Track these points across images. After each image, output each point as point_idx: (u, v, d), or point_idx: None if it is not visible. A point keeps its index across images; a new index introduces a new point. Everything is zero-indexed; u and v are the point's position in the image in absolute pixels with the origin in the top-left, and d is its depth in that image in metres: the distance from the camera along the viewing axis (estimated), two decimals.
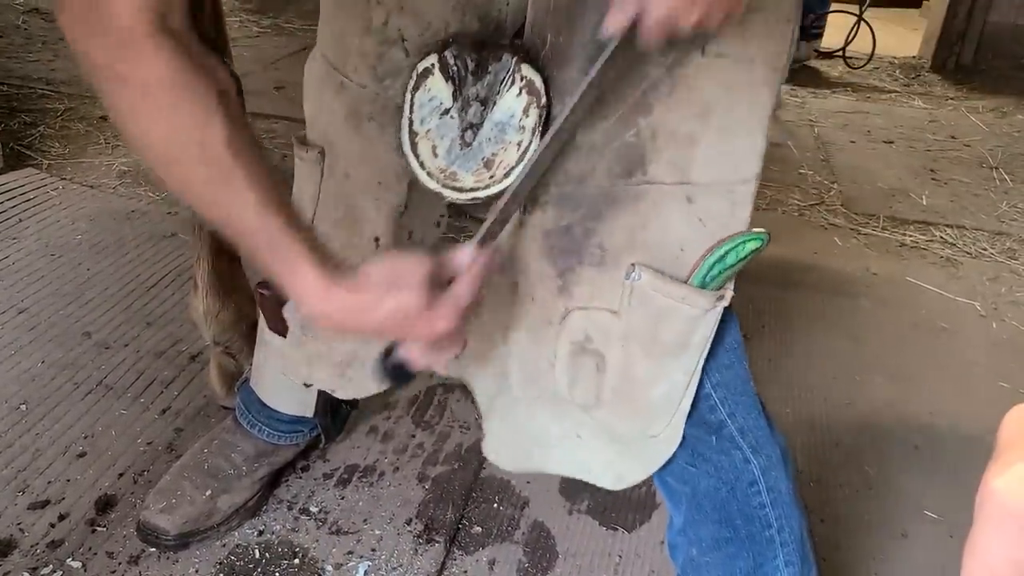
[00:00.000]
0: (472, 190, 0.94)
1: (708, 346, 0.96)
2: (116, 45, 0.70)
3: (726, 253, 0.91)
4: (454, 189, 0.95)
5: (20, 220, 2.24)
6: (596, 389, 0.98)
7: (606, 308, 0.94)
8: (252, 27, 4.47)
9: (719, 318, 0.95)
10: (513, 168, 0.91)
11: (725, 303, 0.94)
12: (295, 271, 0.80)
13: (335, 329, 0.84)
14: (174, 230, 2.26)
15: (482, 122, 0.92)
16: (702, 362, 0.96)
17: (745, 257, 0.92)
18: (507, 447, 1.13)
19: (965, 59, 4.88)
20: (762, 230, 0.92)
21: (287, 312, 1.24)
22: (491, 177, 0.92)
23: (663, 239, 0.91)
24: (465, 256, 0.85)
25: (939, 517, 1.59)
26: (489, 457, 1.15)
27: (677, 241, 0.91)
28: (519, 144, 0.91)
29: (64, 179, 2.51)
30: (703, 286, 0.92)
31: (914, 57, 5.08)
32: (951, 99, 4.42)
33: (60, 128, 2.87)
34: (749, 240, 0.91)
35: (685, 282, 0.92)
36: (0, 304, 1.90)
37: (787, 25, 0.89)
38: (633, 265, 0.91)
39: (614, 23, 0.79)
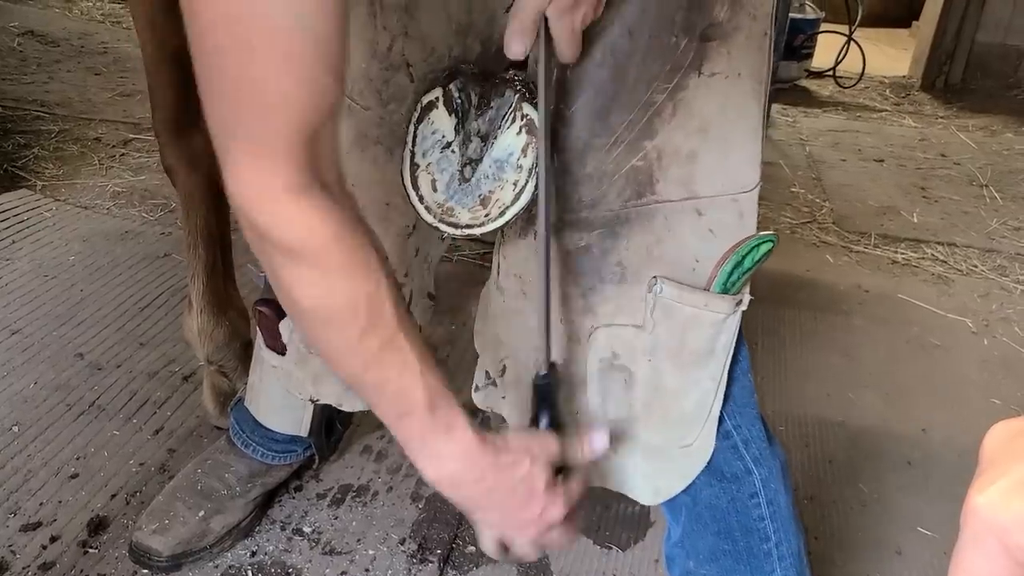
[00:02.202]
0: (467, 226, 0.95)
1: (732, 351, 0.98)
2: (283, 212, 0.67)
3: (743, 258, 0.93)
4: (450, 224, 0.95)
5: (14, 242, 2.24)
6: (628, 404, 0.99)
7: (630, 323, 0.95)
8: None
9: (739, 323, 0.97)
10: (508, 207, 0.92)
11: (744, 307, 0.96)
12: (452, 428, 0.80)
13: (466, 493, 0.84)
14: (167, 250, 2.26)
15: (481, 158, 0.93)
16: (727, 368, 0.98)
17: (760, 260, 0.94)
18: None
19: (954, 78, 4.93)
20: (771, 232, 0.95)
21: (284, 329, 1.25)
22: (486, 215, 0.93)
23: (678, 253, 0.93)
24: (586, 448, 0.90)
25: (933, 534, 1.59)
26: None
27: (692, 253, 0.93)
28: (515, 183, 0.91)
29: (58, 200, 2.52)
30: (725, 292, 0.94)
31: (904, 76, 5.13)
32: (941, 118, 4.46)
33: (54, 149, 2.88)
34: (763, 243, 0.94)
35: (707, 289, 0.93)
36: None
37: (764, 39, 0.91)
38: (655, 278, 0.92)
39: (517, 44, 0.82)
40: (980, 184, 3.50)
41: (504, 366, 1.08)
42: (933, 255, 2.82)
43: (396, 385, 0.77)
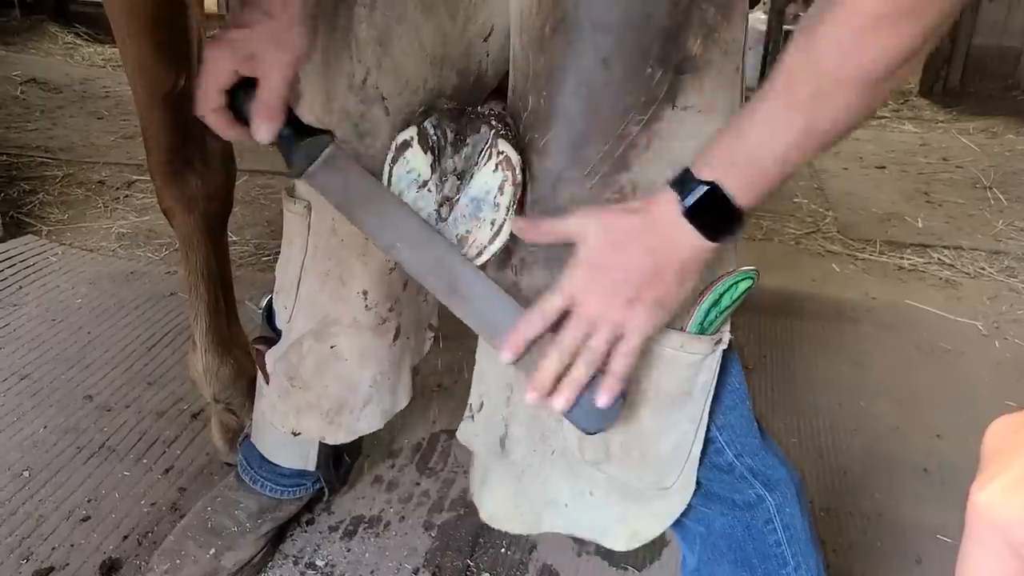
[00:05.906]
0: None
1: (712, 392, 0.96)
2: None
3: (720, 296, 0.91)
4: None
5: (20, 287, 2.26)
6: (604, 444, 0.97)
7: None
8: None
9: (720, 362, 0.95)
10: (486, 247, 0.91)
11: (724, 346, 0.94)
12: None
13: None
14: (173, 289, 2.27)
15: (458, 196, 0.92)
16: (708, 408, 0.96)
17: (739, 297, 0.92)
18: (509, 509, 1.09)
19: (952, 82, 4.93)
20: (751, 268, 0.92)
21: (270, 361, 1.25)
22: (464, 255, 0.93)
23: None
24: None
25: (953, 540, 1.56)
26: (489, 522, 1.10)
27: None
28: (492, 222, 0.90)
29: (64, 244, 2.54)
30: (702, 332, 0.92)
31: None
32: (941, 122, 4.46)
33: (59, 194, 2.91)
34: (741, 280, 0.91)
35: (682, 329, 0.91)
36: (2, 371, 1.90)
37: (736, 74, 0.90)
38: None
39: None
40: (984, 186, 3.49)
41: (483, 402, 1.06)
42: (940, 259, 2.80)
43: None
